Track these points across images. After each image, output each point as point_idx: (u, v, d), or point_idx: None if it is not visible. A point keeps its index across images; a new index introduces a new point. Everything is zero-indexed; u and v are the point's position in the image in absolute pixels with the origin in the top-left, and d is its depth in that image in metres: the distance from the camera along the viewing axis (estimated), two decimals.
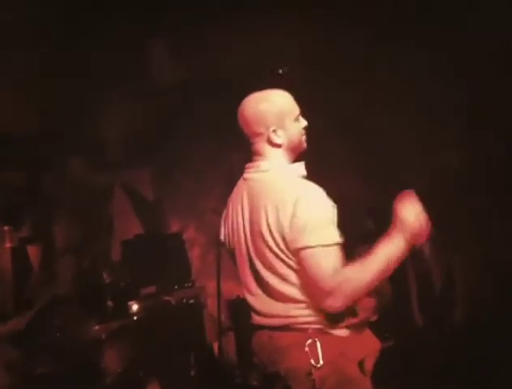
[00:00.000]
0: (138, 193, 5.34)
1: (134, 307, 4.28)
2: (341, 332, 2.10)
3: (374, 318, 2.25)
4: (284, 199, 2.05)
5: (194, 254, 5.11)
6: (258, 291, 2.19)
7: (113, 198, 5.28)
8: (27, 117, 4.66)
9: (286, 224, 2.03)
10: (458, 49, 4.01)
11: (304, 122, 2.26)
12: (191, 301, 4.49)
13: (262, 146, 2.20)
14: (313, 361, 2.02)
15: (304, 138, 2.27)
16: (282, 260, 2.09)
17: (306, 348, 2.03)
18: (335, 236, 2.05)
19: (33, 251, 4.86)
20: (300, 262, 2.04)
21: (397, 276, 5.22)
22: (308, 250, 2.01)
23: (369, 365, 2.17)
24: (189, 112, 4.88)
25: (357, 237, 4.85)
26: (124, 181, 5.29)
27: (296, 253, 2.04)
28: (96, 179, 5.13)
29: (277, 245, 2.08)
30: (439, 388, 3.70)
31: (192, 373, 4.16)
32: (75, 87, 4.61)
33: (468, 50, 4.00)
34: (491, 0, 3.92)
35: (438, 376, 3.69)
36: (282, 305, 2.12)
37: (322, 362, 2.01)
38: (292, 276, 2.09)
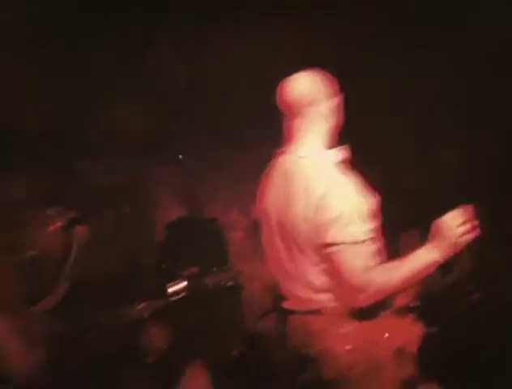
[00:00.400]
0: (181, 178, 5.47)
1: (175, 288, 4.46)
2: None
3: (414, 303, 2.30)
4: (314, 189, 2.08)
5: (235, 237, 5.22)
6: (290, 275, 2.26)
7: (156, 183, 5.45)
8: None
9: (313, 215, 2.07)
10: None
11: (340, 100, 2.29)
12: (229, 284, 4.63)
13: (299, 126, 2.24)
14: (342, 346, 2.08)
15: (340, 116, 2.29)
16: (309, 248, 2.15)
17: (338, 332, 2.10)
18: (364, 232, 2.05)
19: (81, 231, 5.23)
20: (326, 255, 2.09)
21: None
22: (334, 247, 2.03)
23: (411, 350, 2.17)
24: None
25: (401, 224, 5.18)
26: (167, 166, 5.43)
27: (322, 246, 2.09)
28: (141, 164, 5.33)
29: (305, 233, 2.13)
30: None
31: (234, 354, 4.28)
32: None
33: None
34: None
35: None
36: (313, 290, 2.18)
37: (351, 347, 2.08)
38: (319, 265, 2.15)
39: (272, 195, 2.30)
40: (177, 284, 4.51)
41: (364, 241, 2.06)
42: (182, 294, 4.50)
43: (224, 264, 4.91)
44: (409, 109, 4.52)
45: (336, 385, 2.11)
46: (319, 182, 2.10)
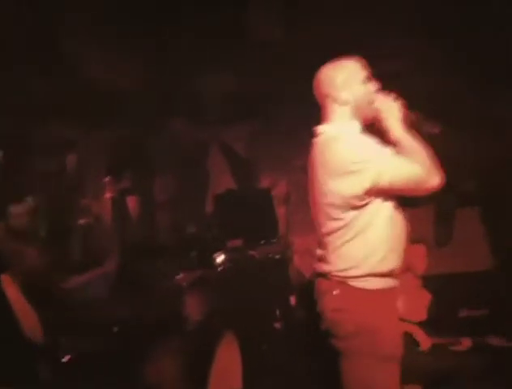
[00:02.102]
0: (234, 150, 5.59)
1: (219, 259, 4.50)
2: (366, 284, 2.33)
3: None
4: (340, 156, 2.31)
5: (283, 210, 5.17)
6: (320, 241, 2.47)
7: (209, 154, 5.60)
8: (133, 77, 4.99)
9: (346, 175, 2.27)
10: None
11: (374, 87, 2.43)
12: (277, 257, 4.63)
13: (330, 106, 2.44)
14: (330, 305, 2.38)
15: (373, 105, 2.42)
16: (332, 212, 2.35)
17: (333, 293, 2.36)
18: (389, 151, 2.31)
19: (132, 202, 5.34)
20: (386, 190, 2.30)
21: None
22: (385, 177, 2.27)
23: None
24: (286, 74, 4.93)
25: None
26: (221, 138, 5.58)
27: (376, 188, 2.28)
28: (195, 136, 5.45)
29: (333, 199, 2.33)
30: None
31: (277, 326, 4.39)
32: (177, 49, 4.88)
33: None
34: None
35: None
36: (326, 255, 2.42)
37: (337, 308, 2.34)
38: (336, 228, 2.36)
39: (314, 170, 2.48)
40: (223, 254, 4.51)
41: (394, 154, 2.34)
42: (228, 265, 4.50)
43: (273, 237, 4.85)
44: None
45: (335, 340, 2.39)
46: (344, 149, 2.34)
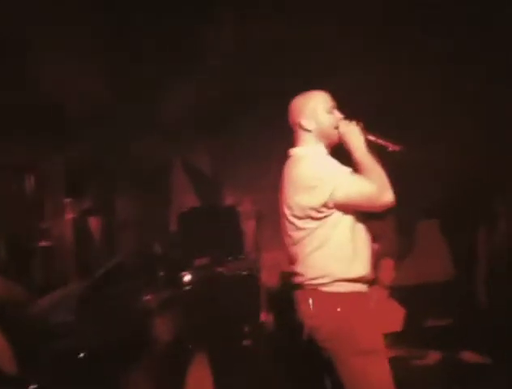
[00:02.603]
0: (197, 166, 5.54)
1: (187, 278, 4.44)
2: (337, 289, 2.52)
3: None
4: (302, 173, 2.57)
5: (250, 227, 5.19)
6: (290, 254, 2.69)
7: (172, 172, 5.52)
8: (94, 95, 4.93)
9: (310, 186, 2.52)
10: None
11: (338, 116, 2.71)
12: (244, 273, 4.61)
13: (299, 132, 2.73)
14: (306, 314, 2.58)
15: (337, 131, 2.69)
16: (296, 223, 2.60)
17: (308, 302, 2.56)
18: (348, 170, 2.57)
19: (94, 222, 5.21)
20: (340, 205, 2.53)
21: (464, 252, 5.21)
22: (340, 193, 2.50)
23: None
24: (250, 88, 4.98)
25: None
26: (184, 154, 5.52)
27: (332, 202, 2.51)
28: (157, 153, 5.33)
29: (296, 211, 2.58)
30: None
31: (245, 343, 4.34)
32: (139, 63, 4.84)
33: None
34: None
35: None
36: (297, 266, 2.63)
37: (313, 315, 2.54)
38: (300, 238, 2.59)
39: (283, 186, 2.73)
40: (190, 273, 4.46)
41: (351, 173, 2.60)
42: (196, 283, 4.45)
43: (240, 253, 4.84)
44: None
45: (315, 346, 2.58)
46: (307, 168, 2.61)
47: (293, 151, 2.73)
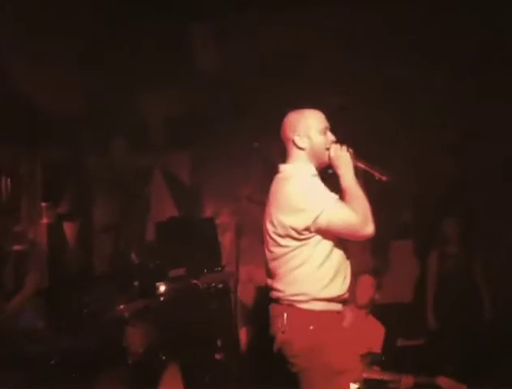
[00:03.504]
0: (176, 176, 5.50)
1: (161, 288, 4.38)
2: (312, 306, 2.57)
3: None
4: (289, 194, 2.60)
5: (227, 239, 5.23)
6: (270, 270, 2.72)
7: (151, 181, 5.48)
8: (71, 100, 4.91)
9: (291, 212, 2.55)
10: None
11: (330, 137, 2.72)
12: (220, 286, 4.59)
13: (291, 149, 2.73)
14: (279, 328, 2.61)
15: (327, 152, 2.70)
16: (278, 240, 2.64)
17: (283, 317, 2.59)
18: (334, 198, 2.60)
19: (70, 228, 5.16)
20: (323, 230, 2.56)
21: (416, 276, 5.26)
22: (323, 218, 2.53)
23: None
24: (229, 99, 5.02)
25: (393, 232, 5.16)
26: (163, 164, 5.48)
27: (314, 227, 2.54)
28: (135, 161, 5.35)
29: (278, 229, 2.61)
30: None
31: (217, 357, 4.34)
32: (118, 72, 4.81)
33: None
34: None
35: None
36: (276, 282, 2.68)
37: (286, 330, 2.58)
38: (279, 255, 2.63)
39: (269, 202, 2.75)
40: (165, 283, 4.43)
41: (337, 200, 2.63)
42: (171, 294, 4.41)
43: (217, 265, 4.82)
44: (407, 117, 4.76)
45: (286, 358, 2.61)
46: (294, 190, 2.63)
47: (283, 168, 2.74)
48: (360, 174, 2.68)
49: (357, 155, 2.69)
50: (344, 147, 2.68)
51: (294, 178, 2.65)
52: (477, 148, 4.86)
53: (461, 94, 4.75)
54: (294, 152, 2.71)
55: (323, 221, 2.52)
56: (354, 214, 2.54)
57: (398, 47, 4.70)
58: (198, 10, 4.74)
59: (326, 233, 2.58)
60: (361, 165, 2.66)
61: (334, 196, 2.62)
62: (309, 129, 2.68)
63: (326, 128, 2.72)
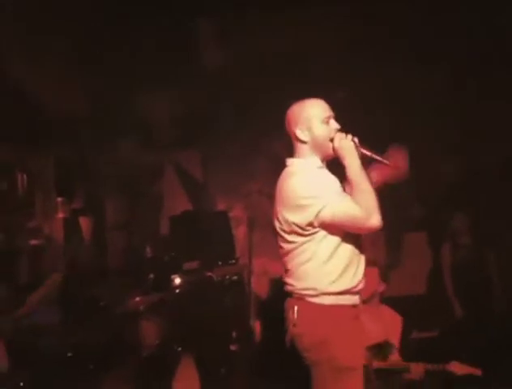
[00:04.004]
0: (189, 172, 5.53)
1: (176, 281, 4.42)
2: (321, 301, 2.52)
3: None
4: (291, 191, 2.56)
5: (240, 232, 5.22)
6: (284, 264, 2.68)
7: (163, 177, 5.52)
8: (82, 100, 4.96)
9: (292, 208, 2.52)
10: None
11: (334, 126, 2.62)
12: (234, 278, 4.60)
13: (295, 142, 2.67)
14: (291, 321, 2.58)
15: (331, 144, 2.61)
16: (285, 236, 2.60)
17: (294, 310, 2.57)
18: (336, 190, 2.54)
19: (85, 222, 5.20)
20: (327, 225, 2.51)
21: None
22: (327, 212, 2.48)
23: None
24: (239, 97, 5.03)
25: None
26: (176, 160, 5.51)
27: (317, 222, 2.49)
28: (148, 158, 5.36)
29: (284, 225, 2.58)
30: None
31: (232, 348, 4.36)
32: (126, 71, 4.82)
33: None
34: None
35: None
36: (288, 276, 2.65)
37: (296, 323, 2.55)
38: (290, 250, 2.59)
39: (276, 197, 2.69)
40: (180, 276, 4.45)
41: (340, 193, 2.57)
42: (185, 287, 4.44)
43: (231, 258, 4.83)
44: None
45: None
46: (298, 184, 2.57)
47: (289, 162, 2.70)
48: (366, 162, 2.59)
49: (362, 142, 2.59)
50: (349, 136, 2.59)
51: (297, 174, 2.61)
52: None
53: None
54: (298, 146, 2.66)
55: (326, 216, 2.48)
56: (357, 207, 2.47)
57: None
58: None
59: (330, 228, 2.52)
60: (367, 153, 2.56)
61: (337, 189, 2.56)
62: (309, 120, 2.60)
63: (328, 117, 2.62)
